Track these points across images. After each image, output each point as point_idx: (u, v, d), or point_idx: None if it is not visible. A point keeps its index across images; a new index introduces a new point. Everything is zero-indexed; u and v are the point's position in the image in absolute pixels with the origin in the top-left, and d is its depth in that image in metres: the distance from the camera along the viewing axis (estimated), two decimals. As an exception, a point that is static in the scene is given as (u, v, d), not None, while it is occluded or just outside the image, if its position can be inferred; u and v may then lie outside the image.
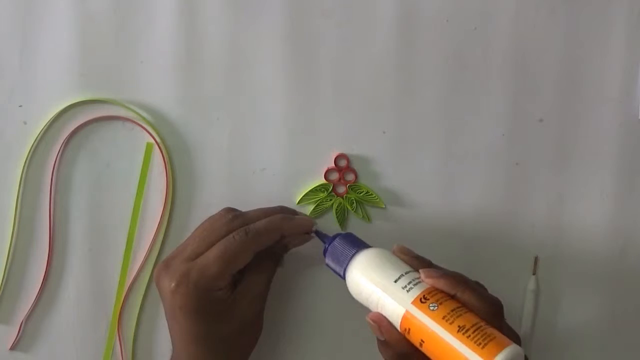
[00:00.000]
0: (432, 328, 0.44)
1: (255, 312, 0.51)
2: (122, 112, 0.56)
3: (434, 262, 0.50)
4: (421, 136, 0.57)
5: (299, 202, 0.56)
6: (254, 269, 0.51)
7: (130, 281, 0.56)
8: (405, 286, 0.46)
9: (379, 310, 0.47)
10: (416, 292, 0.46)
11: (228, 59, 0.56)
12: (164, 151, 0.56)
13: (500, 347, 0.42)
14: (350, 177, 0.57)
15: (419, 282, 0.46)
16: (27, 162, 0.56)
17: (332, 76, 0.57)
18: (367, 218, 0.57)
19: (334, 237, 0.51)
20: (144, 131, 0.56)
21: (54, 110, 0.56)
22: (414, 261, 0.49)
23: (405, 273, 0.47)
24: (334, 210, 0.56)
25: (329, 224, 0.57)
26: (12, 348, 0.56)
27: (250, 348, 0.52)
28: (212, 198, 0.56)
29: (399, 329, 0.46)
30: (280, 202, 0.56)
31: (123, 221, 0.56)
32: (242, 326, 0.50)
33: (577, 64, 0.57)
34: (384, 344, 0.47)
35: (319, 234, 0.52)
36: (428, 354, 0.45)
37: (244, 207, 0.56)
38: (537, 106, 0.57)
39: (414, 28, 0.57)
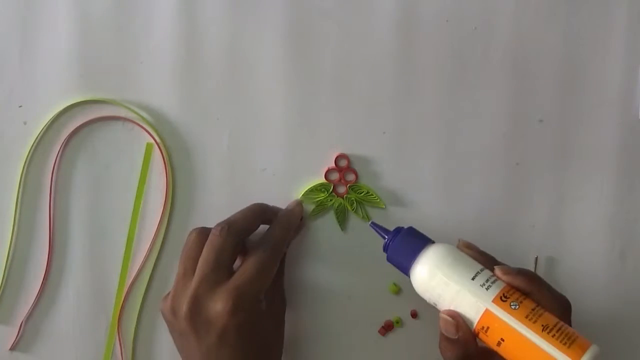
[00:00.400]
0: (516, 327, 0.44)
1: (283, 311, 0.54)
2: (122, 113, 0.56)
3: None
4: (421, 136, 0.57)
5: (298, 202, 0.56)
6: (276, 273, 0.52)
7: (130, 281, 0.56)
8: (484, 284, 0.46)
9: (452, 308, 0.46)
10: (495, 290, 0.45)
11: (228, 59, 0.56)
12: (164, 151, 0.56)
13: (585, 347, 0.42)
14: (350, 177, 0.57)
15: (495, 280, 0.46)
16: (27, 162, 0.56)
17: (332, 76, 0.57)
18: (367, 218, 0.57)
19: (396, 231, 0.50)
20: (144, 131, 0.56)
21: (54, 110, 0.56)
22: (480, 256, 0.48)
23: (481, 270, 0.47)
24: (333, 210, 0.56)
25: (329, 223, 0.57)
26: (12, 348, 0.56)
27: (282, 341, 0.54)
28: (212, 198, 0.56)
29: (474, 327, 0.46)
30: (281, 202, 0.56)
31: (123, 221, 0.56)
32: (275, 329, 0.53)
33: (577, 64, 0.57)
34: (452, 343, 0.46)
35: (377, 227, 0.51)
36: (506, 353, 0.44)
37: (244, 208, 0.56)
38: (537, 106, 0.57)
39: (414, 28, 0.57)
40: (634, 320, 0.58)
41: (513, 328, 0.44)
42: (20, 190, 0.56)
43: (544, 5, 0.57)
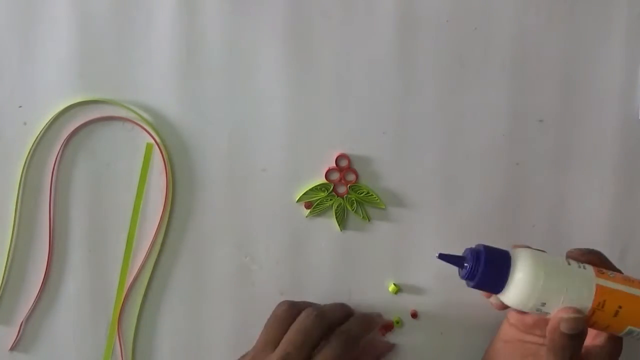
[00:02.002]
0: (627, 291, 0.45)
1: None
2: (122, 113, 0.56)
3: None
4: (421, 136, 0.57)
5: (298, 200, 0.56)
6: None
7: (130, 281, 0.56)
8: (580, 265, 0.46)
9: (562, 301, 0.45)
10: (590, 268, 0.46)
11: (228, 59, 0.56)
12: (164, 151, 0.56)
13: None
14: (351, 177, 0.57)
15: (579, 260, 0.47)
16: (27, 162, 0.56)
17: (332, 76, 0.57)
18: (367, 218, 0.57)
19: (474, 256, 0.46)
20: (144, 131, 0.56)
21: (54, 110, 0.56)
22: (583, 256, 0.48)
23: (566, 258, 0.47)
24: (333, 210, 0.56)
25: (328, 223, 0.57)
26: (12, 348, 0.56)
27: None
28: (212, 198, 0.56)
29: (589, 308, 0.45)
30: (281, 203, 0.56)
31: (123, 221, 0.56)
32: None
33: (577, 64, 0.57)
34: (576, 338, 0.45)
35: (447, 258, 0.47)
36: (626, 318, 0.45)
37: (244, 208, 0.56)
38: (537, 106, 0.57)
39: (414, 28, 0.57)
40: (634, 320, 0.58)
41: (625, 292, 0.45)
42: (20, 190, 0.56)
43: (544, 5, 0.57)
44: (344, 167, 0.56)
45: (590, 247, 0.57)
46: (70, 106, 0.56)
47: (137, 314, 0.56)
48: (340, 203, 0.56)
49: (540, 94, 0.57)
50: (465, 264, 0.47)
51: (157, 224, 0.56)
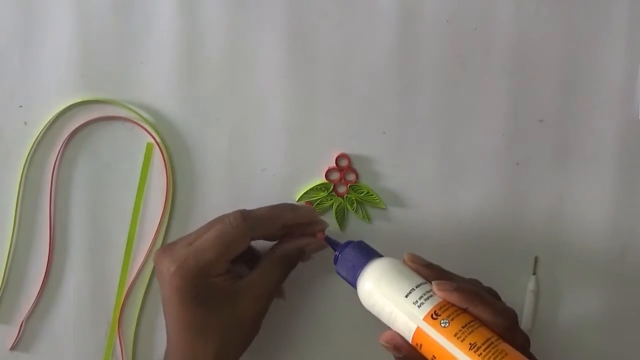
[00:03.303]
0: (444, 346, 0.44)
1: (255, 312, 0.50)
2: (122, 113, 0.56)
3: (434, 263, 0.50)
4: (421, 136, 0.57)
5: (298, 200, 0.56)
6: (262, 265, 0.51)
7: (130, 281, 0.56)
8: (417, 301, 0.46)
9: (391, 325, 0.47)
10: (427, 307, 0.45)
11: (228, 59, 0.56)
12: (164, 151, 0.56)
13: None
14: (351, 177, 0.57)
15: (431, 295, 0.46)
16: (27, 162, 0.56)
17: (332, 76, 0.57)
18: (367, 218, 0.57)
19: (345, 245, 0.50)
20: (144, 131, 0.56)
21: (54, 110, 0.56)
22: (423, 270, 0.48)
23: (417, 286, 0.46)
24: (333, 210, 0.56)
25: (329, 223, 0.57)
26: (13, 348, 0.56)
27: (242, 348, 0.51)
28: (212, 198, 0.56)
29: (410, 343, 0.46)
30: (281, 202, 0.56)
31: (123, 221, 0.56)
32: (239, 323, 0.50)
33: (577, 64, 0.57)
34: (400, 359, 0.47)
35: (330, 240, 0.52)
36: None
37: (244, 208, 0.56)
38: (537, 106, 0.57)
39: (414, 28, 0.56)
40: (634, 320, 0.58)
41: (442, 346, 0.44)
42: (21, 190, 0.56)
43: (544, 5, 0.57)
44: (344, 167, 0.56)
45: (590, 246, 0.57)
46: (71, 106, 0.56)
47: (137, 314, 0.56)
48: (340, 203, 0.56)
49: (540, 94, 0.57)
50: (336, 252, 0.51)
51: (157, 224, 0.56)
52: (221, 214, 0.56)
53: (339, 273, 0.51)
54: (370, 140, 0.57)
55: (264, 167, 0.57)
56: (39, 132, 0.56)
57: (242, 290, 0.49)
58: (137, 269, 0.56)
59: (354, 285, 0.49)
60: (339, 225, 0.56)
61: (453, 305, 0.45)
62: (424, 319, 0.45)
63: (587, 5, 0.57)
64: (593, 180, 0.57)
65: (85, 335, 0.56)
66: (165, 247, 0.49)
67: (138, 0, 0.56)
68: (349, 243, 0.50)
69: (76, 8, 0.56)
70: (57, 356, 0.56)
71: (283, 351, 0.57)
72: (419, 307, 0.45)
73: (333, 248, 0.51)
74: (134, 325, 0.56)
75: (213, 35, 0.56)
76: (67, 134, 0.56)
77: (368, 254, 0.50)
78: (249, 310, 0.50)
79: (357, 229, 0.57)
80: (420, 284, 0.47)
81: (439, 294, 0.46)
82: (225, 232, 0.49)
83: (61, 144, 0.56)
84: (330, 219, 0.56)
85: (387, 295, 0.47)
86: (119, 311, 0.56)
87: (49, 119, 0.56)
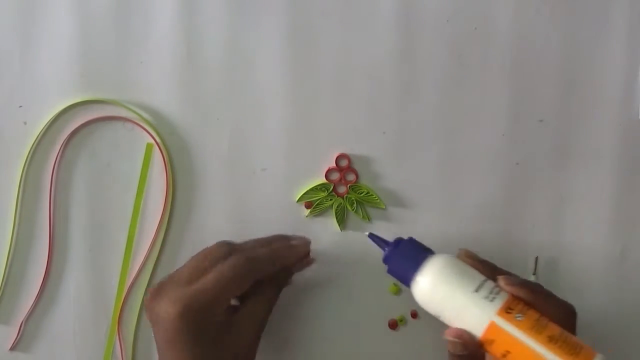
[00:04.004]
0: (522, 339, 0.43)
1: (251, 340, 0.50)
2: (122, 113, 0.56)
3: None
4: (421, 136, 0.57)
5: (298, 200, 0.56)
6: (254, 295, 0.51)
7: (130, 281, 0.56)
8: (487, 296, 0.45)
9: (456, 321, 0.46)
10: (499, 302, 0.45)
11: (228, 59, 0.56)
12: (164, 151, 0.56)
13: (591, 356, 0.42)
14: (351, 177, 0.57)
15: (499, 290, 0.46)
16: (27, 162, 0.56)
17: (333, 76, 0.57)
18: (367, 218, 0.57)
19: (396, 242, 0.49)
20: (144, 131, 0.56)
21: (54, 110, 0.56)
22: (479, 265, 0.48)
23: (484, 281, 0.46)
24: (333, 210, 0.56)
25: (328, 223, 0.57)
26: (12, 348, 0.56)
27: None
28: (212, 198, 0.56)
29: (478, 339, 0.45)
30: (281, 203, 0.56)
31: (123, 221, 0.56)
32: (237, 353, 0.49)
33: (577, 64, 0.57)
34: (461, 358, 0.46)
35: (375, 238, 0.50)
36: None
37: (244, 208, 0.56)
38: (537, 106, 0.57)
39: (414, 28, 0.57)
40: (634, 320, 0.58)
41: (519, 340, 0.43)
42: (20, 190, 0.56)
43: (544, 5, 0.57)
44: (344, 167, 0.56)
45: (590, 246, 0.57)
46: (71, 106, 0.56)
47: (137, 314, 0.56)
48: (340, 203, 0.56)
49: (540, 94, 0.57)
50: (385, 249, 0.49)
51: (157, 224, 0.56)
52: (221, 214, 0.56)
53: (391, 271, 0.48)
54: (370, 140, 0.57)
55: (264, 167, 0.57)
56: (39, 132, 0.56)
57: (238, 322, 0.49)
58: (137, 269, 0.56)
59: (408, 282, 0.47)
60: (339, 225, 0.56)
61: (520, 299, 0.45)
62: (497, 314, 0.44)
63: (587, 5, 0.57)
64: (593, 180, 0.57)
65: (85, 335, 0.56)
66: (156, 290, 0.48)
67: (138, 0, 0.56)
68: (399, 240, 0.49)
69: (76, 8, 0.56)
70: (57, 356, 0.56)
71: (281, 352, 0.57)
72: (490, 301, 0.45)
73: (380, 246, 0.49)
74: (134, 325, 0.56)
75: (213, 35, 0.56)
76: (67, 134, 0.56)
77: (423, 250, 0.48)
78: (245, 339, 0.50)
79: (357, 229, 0.57)
80: (485, 280, 0.46)
81: (507, 289, 0.46)
82: (228, 275, 0.48)
83: (61, 144, 0.56)
84: (330, 219, 0.56)
85: (455, 291, 0.46)
86: (119, 311, 0.56)
87: (49, 119, 0.56)
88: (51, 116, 0.56)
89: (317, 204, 0.56)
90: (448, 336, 0.46)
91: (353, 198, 0.56)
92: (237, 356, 0.49)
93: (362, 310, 0.57)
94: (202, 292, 0.47)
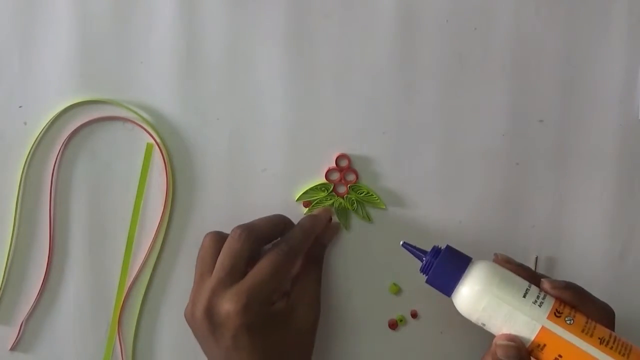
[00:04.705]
0: (574, 342, 0.43)
1: (312, 319, 0.52)
2: (122, 113, 0.56)
3: None
4: (421, 136, 0.57)
5: (298, 199, 0.56)
6: (300, 278, 0.53)
7: (130, 281, 0.56)
8: (536, 300, 0.45)
9: (504, 328, 0.45)
10: (548, 306, 0.45)
11: (228, 59, 0.56)
12: (164, 152, 0.56)
13: None
14: (351, 177, 0.57)
15: (545, 295, 0.45)
16: (27, 162, 0.56)
17: (332, 76, 0.57)
18: (367, 218, 0.57)
19: (435, 252, 0.48)
20: (144, 132, 0.56)
21: (54, 110, 0.56)
22: (520, 270, 0.47)
23: (530, 287, 0.46)
24: (334, 210, 0.56)
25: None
26: (12, 348, 0.56)
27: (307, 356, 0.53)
28: (212, 198, 0.56)
29: (528, 345, 0.45)
30: (281, 203, 0.56)
31: (123, 221, 0.56)
32: (299, 335, 0.51)
33: (577, 64, 0.57)
34: None
35: (410, 248, 0.49)
36: None
37: (244, 208, 0.56)
38: (537, 106, 0.57)
39: (414, 28, 0.56)
40: (634, 320, 0.58)
41: (571, 344, 0.43)
42: (20, 190, 0.56)
43: (544, 5, 0.57)
44: (344, 167, 0.56)
45: (590, 246, 0.57)
46: (71, 106, 0.56)
47: (137, 314, 0.56)
48: (341, 203, 0.56)
49: (540, 94, 0.57)
50: (424, 258, 0.48)
51: (157, 224, 0.56)
52: (221, 213, 0.56)
53: (431, 281, 0.48)
54: (370, 140, 0.57)
55: (264, 167, 0.57)
56: (39, 132, 0.56)
57: (296, 304, 0.51)
58: (137, 269, 0.56)
59: (450, 292, 0.47)
60: (343, 225, 0.56)
61: (565, 303, 0.45)
62: (547, 318, 0.44)
63: (587, 5, 0.57)
64: (593, 180, 0.57)
65: (85, 335, 0.56)
66: (210, 293, 0.48)
67: (138, 0, 0.56)
68: (437, 249, 0.48)
69: (76, 8, 0.56)
70: (57, 356, 0.56)
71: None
72: (539, 306, 0.45)
73: (417, 256, 0.49)
74: (134, 325, 0.56)
75: (213, 35, 0.56)
76: (67, 134, 0.56)
77: (463, 258, 0.48)
78: (306, 320, 0.52)
79: (357, 229, 0.57)
80: (530, 285, 0.46)
81: (553, 292, 0.45)
82: (279, 262, 0.50)
83: (61, 144, 0.56)
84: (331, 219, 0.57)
85: (503, 297, 0.45)
86: (119, 311, 0.56)
87: (49, 119, 0.56)
88: (51, 116, 0.56)
89: (316, 203, 0.56)
90: (500, 340, 0.45)
91: (353, 198, 0.56)
92: (299, 339, 0.51)
93: (362, 310, 0.57)
94: (261, 284, 0.49)
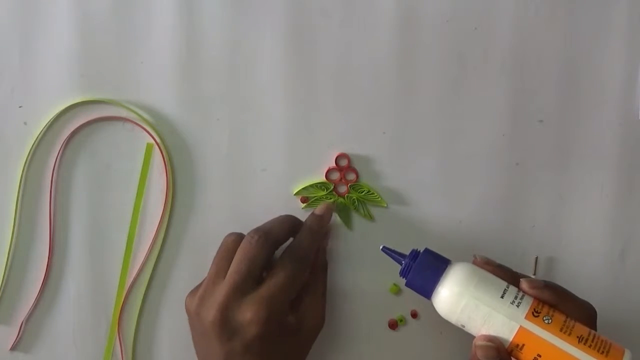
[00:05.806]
0: (552, 342, 0.44)
1: (318, 330, 0.53)
2: (122, 113, 0.56)
3: None
4: (421, 136, 0.57)
5: (295, 194, 0.56)
6: (310, 286, 0.53)
7: (130, 281, 0.56)
8: (513, 301, 0.45)
9: (482, 330, 0.46)
10: (526, 306, 0.45)
11: (228, 58, 0.56)
12: (164, 151, 0.56)
13: (621, 352, 0.43)
14: (351, 176, 0.57)
15: (523, 295, 0.46)
16: (27, 162, 0.56)
17: (332, 76, 0.57)
18: (369, 217, 0.57)
19: (413, 255, 0.48)
20: (144, 131, 0.56)
21: (54, 110, 0.56)
22: (499, 271, 0.48)
23: (507, 287, 0.46)
24: (335, 210, 0.56)
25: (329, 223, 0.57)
26: (12, 348, 0.56)
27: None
28: (212, 199, 0.56)
29: (507, 346, 0.45)
30: (281, 203, 0.56)
31: (123, 221, 0.56)
32: (303, 343, 0.52)
33: (577, 64, 0.57)
34: None
35: (390, 251, 0.50)
36: None
37: (244, 208, 0.56)
38: (537, 106, 0.57)
39: (414, 28, 0.56)
40: (634, 320, 0.58)
41: (550, 343, 0.44)
42: (20, 190, 0.56)
43: (544, 5, 0.57)
44: (344, 166, 0.56)
45: (590, 246, 0.57)
46: (71, 106, 0.56)
47: (137, 314, 0.56)
48: (341, 202, 0.56)
49: (540, 94, 0.57)
50: (403, 261, 0.48)
51: (157, 224, 0.56)
52: (221, 214, 0.56)
53: (410, 284, 0.48)
54: (370, 140, 0.57)
55: (264, 167, 0.57)
56: (39, 132, 0.56)
57: (306, 313, 0.52)
58: (137, 269, 0.56)
59: (429, 294, 0.47)
60: (346, 225, 0.56)
61: (544, 302, 0.45)
62: (525, 318, 0.45)
63: (587, 5, 0.57)
64: (593, 180, 0.57)
65: (85, 335, 0.56)
66: (221, 302, 0.48)
67: (138, 0, 0.56)
68: (416, 252, 0.49)
69: (76, 8, 0.56)
70: (57, 356, 0.56)
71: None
72: (517, 306, 0.45)
73: (395, 259, 0.49)
74: (134, 325, 0.56)
75: (213, 35, 0.56)
76: (67, 134, 0.56)
77: (441, 260, 0.48)
78: (315, 324, 0.53)
79: (357, 228, 0.57)
80: (508, 285, 0.46)
81: (531, 292, 0.46)
82: (294, 270, 0.50)
83: (61, 144, 0.56)
84: (331, 218, 0.57)
85: (480, 298, 0.45)
86: (119, 311, 0.56)
87: (49, 119, 0.56)
88: (51, 116, 0.56)
89: (314, 201, 0.56)
90: (479, 341, 0.45)
91: (354, 197, 0.56)
92: (301, 349, 0.52)
93: (362, 310, 0.57)
94: (279, 293, 0.49)
